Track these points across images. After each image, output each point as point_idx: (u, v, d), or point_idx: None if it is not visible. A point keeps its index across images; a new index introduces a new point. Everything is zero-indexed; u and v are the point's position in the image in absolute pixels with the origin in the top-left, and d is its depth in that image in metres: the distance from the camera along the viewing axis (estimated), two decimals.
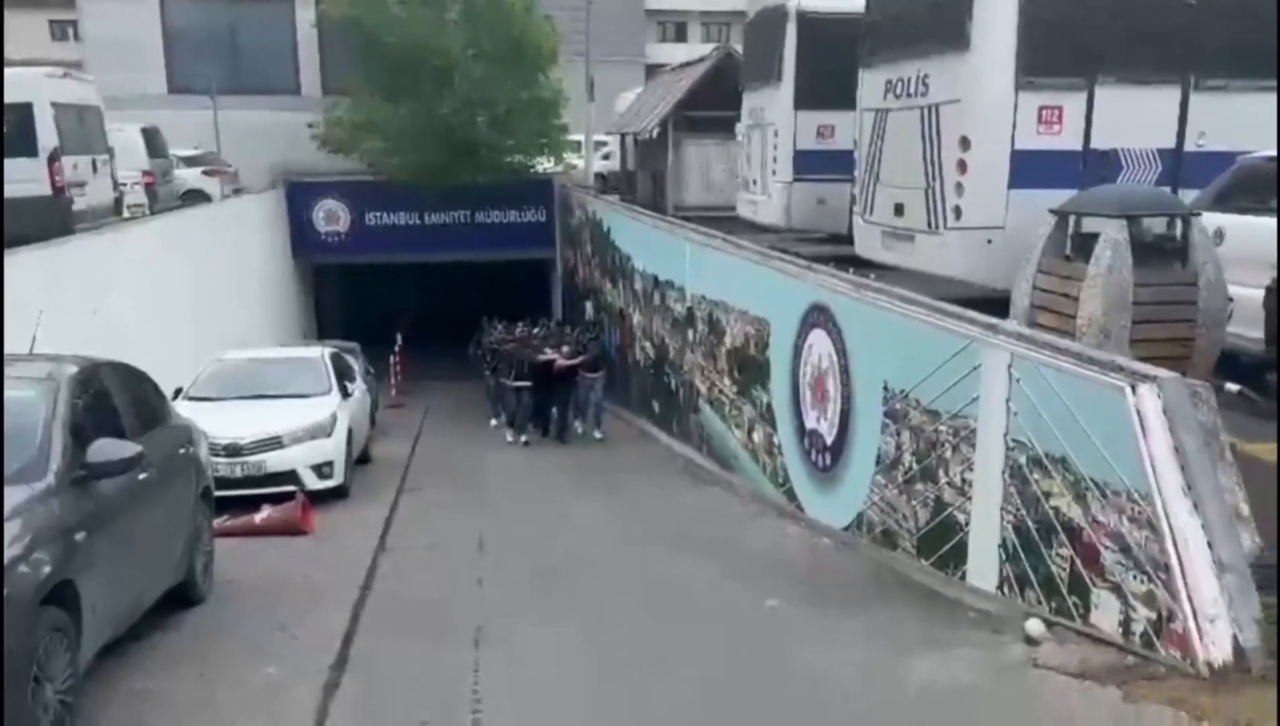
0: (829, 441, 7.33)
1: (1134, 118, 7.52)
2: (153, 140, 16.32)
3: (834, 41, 10.64)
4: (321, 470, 10.24)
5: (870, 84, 9.08)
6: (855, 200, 9.50)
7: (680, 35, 55.29)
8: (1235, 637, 3.91)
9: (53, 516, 4.18)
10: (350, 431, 11.24)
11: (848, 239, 10.30)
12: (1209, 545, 4.08)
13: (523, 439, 13.84)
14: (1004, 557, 5.24)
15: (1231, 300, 5.74)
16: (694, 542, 7.60)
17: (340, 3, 19.82)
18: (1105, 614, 4.49)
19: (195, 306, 13.81)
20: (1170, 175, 7.61)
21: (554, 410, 14.05)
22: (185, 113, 18.92)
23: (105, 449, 4.72)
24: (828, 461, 7.37)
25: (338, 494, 10.58)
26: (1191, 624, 4.01)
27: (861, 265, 8.65)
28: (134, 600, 5.14)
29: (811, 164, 11.64)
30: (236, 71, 20.91)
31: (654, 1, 54.06)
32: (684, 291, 11.09)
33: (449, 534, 9.05)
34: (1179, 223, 5.75)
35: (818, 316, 7.41)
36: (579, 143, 24.14)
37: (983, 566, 5.43)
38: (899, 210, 8.50)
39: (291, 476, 9.89)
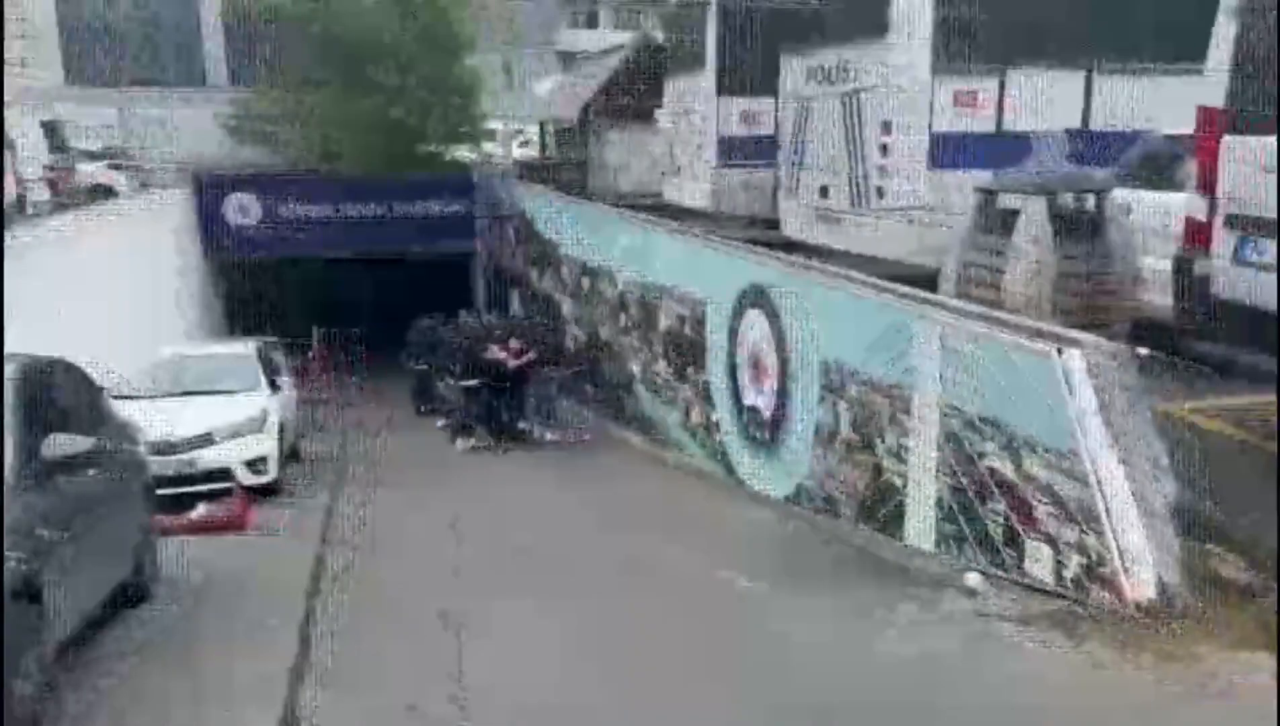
0: (768, 416, 7.57)
1: (1045, 100, 7.93)
2: (53, 134, 15.78)
3: (758, 28, 10.91)
4: (256, 466, 10.07)
5: (793, 71, 9.36)
6: (781, 184, 9.78)
7: (591, 22, 55.28)
8: (1160, 578, 4.24)
9: (15, 511, 4.12)
10: (282, 427, 11.11)
11: (774, 222, 10.60)
12: (1132, 494, 4.41)
13: (471, 443, 12.61)
14: (941, 517, 5.53)
15: (1142, 270, 6.14)
16: (640, 521, 7.75)
17: None
18: (1039, 563, 4.81)
19: (103, 305, 13.39)
20: (1079, 153, 8.06)
21: (503, 410, 12.87)
22: (88, 107, 18.29)
23: (60, 444, 4.66)
24: (767, 435, 7.62)
25: (271, 490, 10.45)
26: (1120, 567, 4.34)
27: (790, 246, 8.92)
28: (91, 594, 5.08)
29: (737, 149, 11.91)
30: (141, 63, 20.27)
31: None
32: (615, 277, 11.23)
33: (393, 525, 9.04)
34: (1093, 198, 6.12)
35: (753, 296, 7.64)
36: (496, 131, 24.07)
37: (921, 527, 5.72)
38: (824, 192, 8.80)
39: (225, 473, 9.74)
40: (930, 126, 7.93)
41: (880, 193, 8.00)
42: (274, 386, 11.53)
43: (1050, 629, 4.30)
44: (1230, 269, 5.09)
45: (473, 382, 12.70)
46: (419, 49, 20.14)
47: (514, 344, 12.56)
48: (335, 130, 19.47)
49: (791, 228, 9.49)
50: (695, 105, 12.44)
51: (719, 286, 8.31)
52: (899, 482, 5.94)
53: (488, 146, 23.87)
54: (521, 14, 27.17)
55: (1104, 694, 3.80)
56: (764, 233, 10.22)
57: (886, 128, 7.91)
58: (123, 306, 14.16)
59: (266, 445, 10.32)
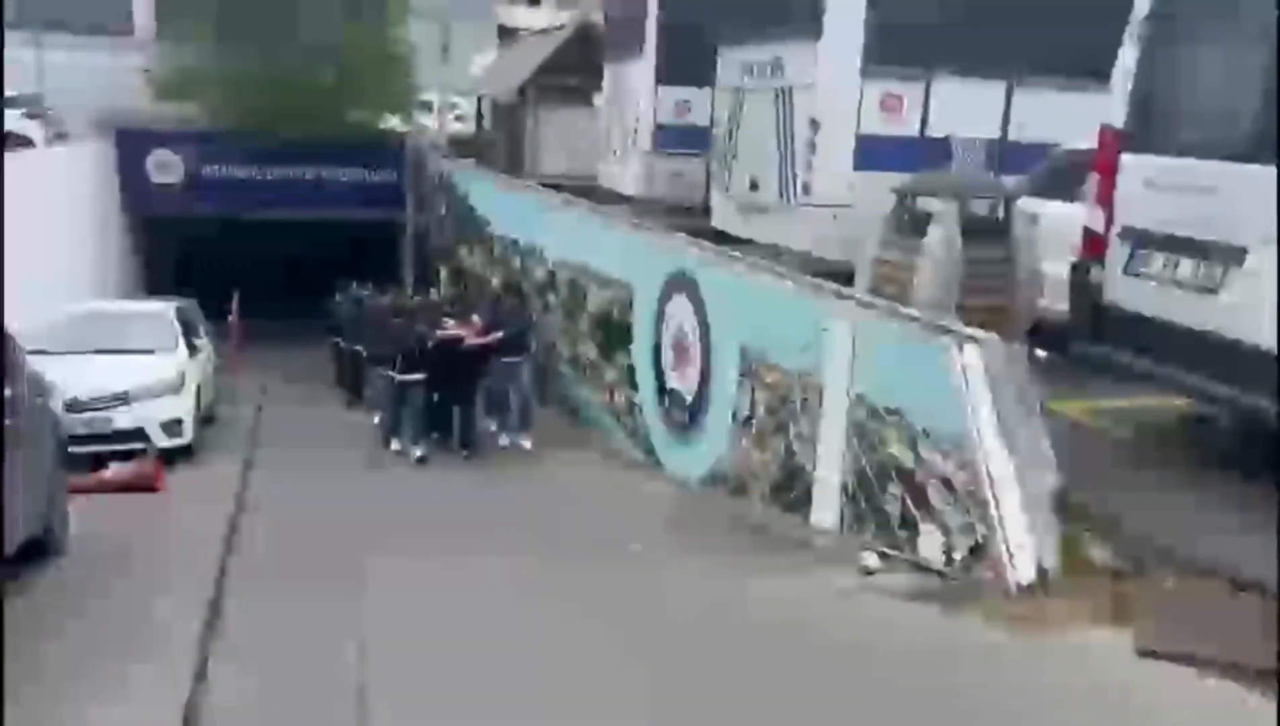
0: (688, 400, 7.80)
1: (966, 109, 8.29)
2: None
3: (696, 20, 11.08)
4: (171, 428, 9.96)
5: (728, 64, 9.57)
6: (713, 174, 10.00)
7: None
8: (1039, 560, 4.58)
9: None
10: (198, 388, 10.98)
11: (704, 211, 10.82)
12: (1019, 482, 4.74)
13: (417, 454, 9.91)
14: (845, 500, 5.83)
15: (1044, 276, 6.51)
16: (558, 497, 7.93)
17: None
18: (931, 545, 5.12)
19: (16, 259, 12.96)
20: (995, 162, 8.44)
21: (456, 410, 10.18)
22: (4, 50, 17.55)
23: None
24: (687, 419, 7.85)
25: (186, 452, 10.34)
26: (1003, 550, 4.65)
27: (719, 236, 9.15)
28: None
29: (671, 138, 12.11)
30: (61, 6, 19.50)
31: None
32: (545, 256, 11.33)
33: (306, 491, 9.04)
34: (1001, 205, 6.45)
35: (680, 282, 7.84)
36: (430, 103, 23.82)
37: (826, 508, 6.01)
38: (754, 185, 9.05)
39: (139, 433, 9.60)
40: (858, 126, 8.20)
41: (807, 189, 8.27)
42: (192, 348, 11.38)
43: (928, 603, 4.61)
44: (1121, 278, 5.46)
45: (415, 375, 9.94)
46: (350, 11, 19.82)
47: (477, 319, 10.14)
48: (260, 89, 19.03)
49: (720, 218, 9.72)
50: (633, 90, 12.58)
51: (646, 272, 8.50)
52: (808, 466, 6.21)
53: (421, 118, 23.63)
54: None
55: (956, 653, 4.16)
56: (693, 221, 10.43)
57: (815, 125, 8.17)
58: (37, 260, 13.76)
59: (183, 406, 10.22)
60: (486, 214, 14.98)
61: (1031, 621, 4.29)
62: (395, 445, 10.24)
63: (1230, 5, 4.94)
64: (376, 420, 11.28)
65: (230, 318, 19.03)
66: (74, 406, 9.16)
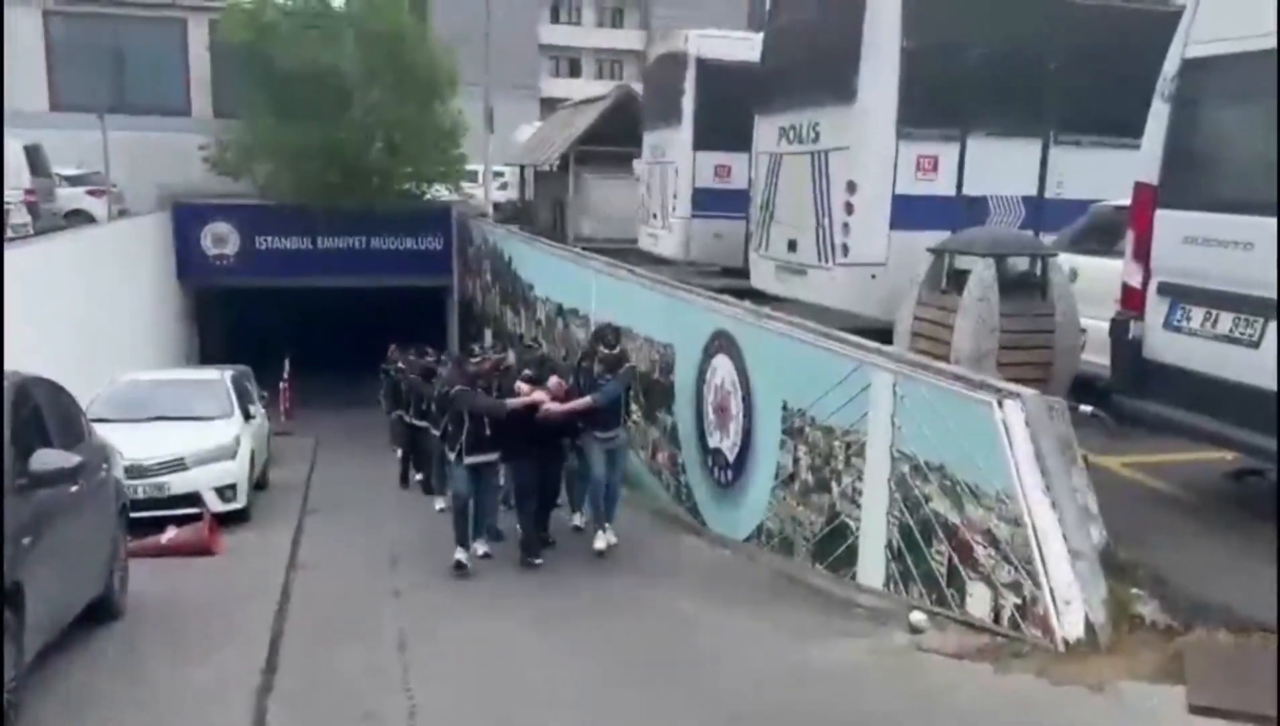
0: (731, 459, 7.86)
1: (1001, 167, 8.39)
2: (35, 158, 15.91)
3: (731, 87, 11.38)
4: (225, 493, 10.22)
5: (765, 129, 9.78)
6: (751, 236, 10.16)
7: (574, 71, 56.26)
8: (1086, 617, 4.54)
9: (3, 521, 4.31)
10: (253, 454, 11.24)
11: (743, 272, 10.97)
12: (1064, 538, 4.72)
13: (480, 551, 7.95)
14: (890, 557, 5.82)
15: (1084, 331, 6.53)
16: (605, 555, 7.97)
17: (234, 25, 19.73)
18: (978, 602, 5.10)
19: (79, 329, 13.48)
20: (1032, 219, 8.50)
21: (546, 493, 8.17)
22: (69, 131, 18.41)
23: (46, 458, 4.87)
24: (730, 477, 7.89)
25: (239, 517, 10.56)
26: (1051, 606, 4.63)
27: (757, 296, 9.27)
28: (67, 607, 5.25)
29: (710, 201, 12.34)
30: (124, 90, 20.43)
31: (548, 37, 55.12)
32: (589, 319, 11.53)
33: (359, 551, 9.18)
34: (1039, 262, 6.51)
35: (721, 342, 7.95)
36: (476, 172, 24.46)
37: (871, 566, 6.00)
38: (792, 246, 9.18)
39: (195, 498, 9.85)
40: (894, 188, 8.33)
41: (845, 249, 8.38)
42: (246, 414, 11.69)
43: (979, 661, 4.59)
44: (1161, 333, 5.48)
45: (486, 456, 7.82)
46: (400, 90, 20.55)
47: (554, 383, 7.88)
48: (312, 163, 19.75)
49: (760, 278, 9.85)
50: (671, 157, 12.86)
51: (687, 332, 8.62)
52: (852, 523, 6.23)
53: (467, 187, 24.26)
54: (503, 60, 27.69)
55: (1008, 710, 4.16)
56: (733, 282, 10.59)
57: (852, 187, 8.31)
58: (99, 331, 14.28)
59: (237, 471, 10.46)
60: (530, 278, 15.30)
61: (1083, 679, 4.26)
62: (460, 556, 7.65)
63: (1254, 63, 5.01)
64: (440, 508, 9.71)
65: (282, 382, 19.51)
66: (132, 471, 9.45)
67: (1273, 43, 4.84)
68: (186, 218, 21.28)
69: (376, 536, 9.84)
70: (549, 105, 45.88)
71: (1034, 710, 4.14)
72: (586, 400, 7.68)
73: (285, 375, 19.80)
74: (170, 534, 8.95)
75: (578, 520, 8.76)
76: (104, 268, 15.65)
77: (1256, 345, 4.87)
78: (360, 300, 23.37)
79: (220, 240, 21.73)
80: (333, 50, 20.02)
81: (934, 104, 8.24)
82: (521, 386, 7.88)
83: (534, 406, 7.65)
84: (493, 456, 7.88)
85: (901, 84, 8.14)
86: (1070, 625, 4.54)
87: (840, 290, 8.44)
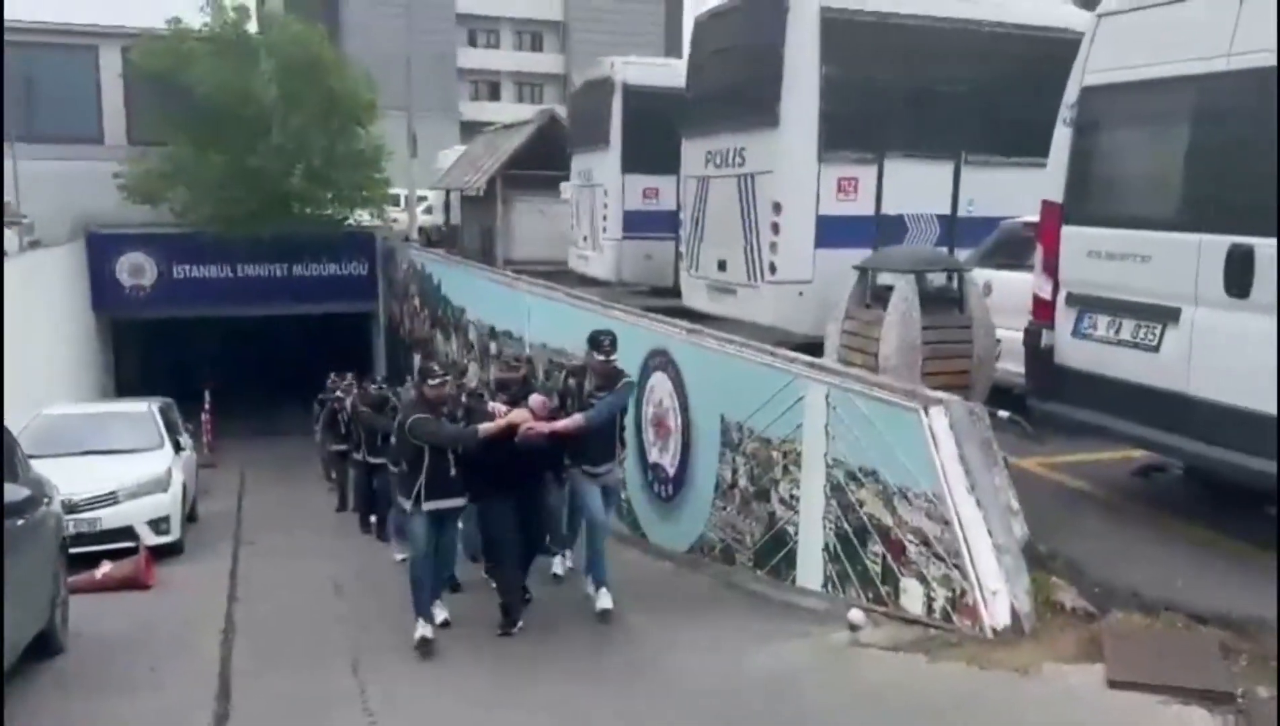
0: (671, 473, 8.09)
1: (916, 188, 8.83)
2: None
3: (657, 112, 11.69)
4: (158, 525, 10.10)
5: (692, 153, 10.09)
6: (682, 257, 10.45)
7: (494, 94, 56.41)
8: (1012, 606, 4.87)
9: None
10: (184, 486, 11.10)
11: (673, 291, 11.26)
12: (989, 533, 5.06)
13: (440, 618, 6.51)
14: (827, 560, 6.10)
15: (999, 341, 6.94)
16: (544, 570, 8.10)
17: (151, 53, 19.44)
18: (912, 597, 5.41)
19: None
20: (947, 236, 8.96)
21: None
22: None
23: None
24: (670, 491, 8.12)
25: (173, 550, 10.43)
26: (979, 598, 4.95)
27: (690, 315, 9.55)
28: (15, 642, 5.20)
29: (639, 223, 12.62)
30: (34, 118, 19.90)
31: (466, 61, 55.15)
32: (523, 341, 11.67)
33: (299, 579, 9.15)
34: (956, 277, 6.91)
35: (658, 360, 8.19)
36: (399, 197, 24.40)
37: (810, 570, 6.28)
38: (722, 266, 9.49)
39: (128, 532, 9.72)
40: (817, 208, 8.70)
41: (773, 268, 8.72)
42: (177, 446, 11.53)
43: (915, 653, 4.89)
44: (1070, 340, 5.89)
45: (452, 501, 6.40)
46: (320, 116, 20.47)
47: (536, 401, 6.63)
48: (231, 190, 19.52)
49: (691, 297, 10.14)
50: (600, 180, 13.12)
51: (624, 351, 8.81)
52: (791, 529, 6.50)
53: (390, 211, 24.18)
54: (422, 83, 27.70)
55: (944, 696, 4.45)
56: (664, 302, 10.86)
57: (778, 209, 8.66)
58: (12, 366, 13.85)
59: (169, 504, 10.32)
60: (462, 302, 15.36)
61: (1011, 663, 4.57)
62: (422, 629, 6.24)
63: (1144, 91, 5.47)
64: (400, 558, 8.18)
65: (204, 414, 19.14)
66: (65, 507, 9.28)
67: (1160, 72, 5.31)
68: (101, 247, 20.79)
69: (315, 564, 9.82)
70: (469, 128, 45.89)
71: (967, 694, 4.43)
72: (577, 418, 6.35)
73: (206, 406, 19.44)
74: (105, 569, 8.82)
75: (558, 567, 7.53)
76: (13, 301, 15.18)
77: (1156, 349, 5.29)
78: (282, 328, 23.10)
79: (136, 270, 21.28)
80: (250, 78, 19.86)
81: (852, 128, 8.64)
82: (497, 407, 6.55)
83: (512, 430, 6.22)
84: (459, 501, 6.39)
85: (821, 110, 8.53)
86: (997, 614, 4.87)
87: (770, 307, 8.76)
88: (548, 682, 5.60)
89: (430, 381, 6.37)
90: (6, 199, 17.94)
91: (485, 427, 6.22)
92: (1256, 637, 4.38)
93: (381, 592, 8.06)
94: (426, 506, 6.26)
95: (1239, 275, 4.84)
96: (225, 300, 21.73)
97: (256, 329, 23.43)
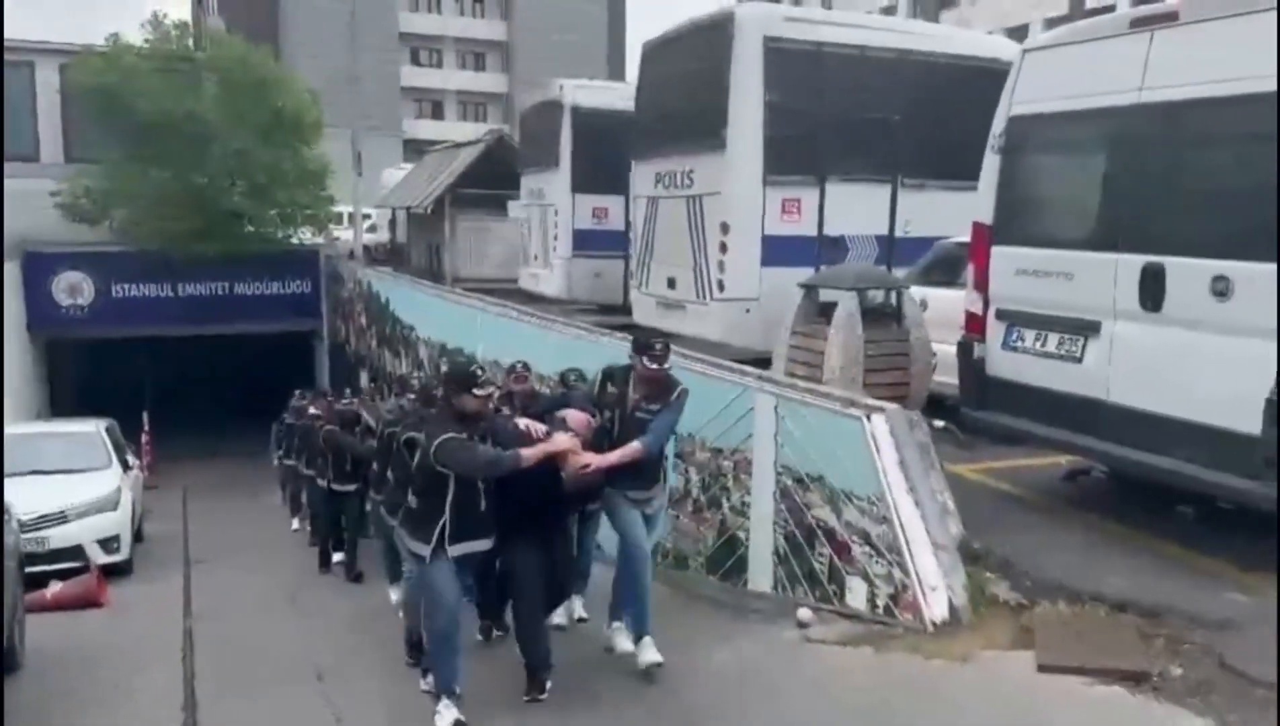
0: None
1: (856, 209, 9.24)
2: None
3: (606, 133, 12.01)
4: (108, 544, 10.07)
5: (642, 175, 10.41)
6: (633, 275, 10.74)
7: (437, 113, 56.42)
8: (950, 600, 5.21)
9: None
10: (134, 505, 11.04)
11: (623, 309, 11.54)
12: (928, 532, 5.40)
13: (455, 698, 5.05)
14: (777, 562, 6.40)
15: (935, 354, 7.34)
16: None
17: (91, 70, 19.26)
18: (857, 595, 5.72)
19: None
20: (885, 255, 9.39)
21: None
22: None
23: None
24: None
25: (122, 570, 10.38)
26: (919, 593, 5.28)
27: (640, 331, 9.82)
28: None
29: (589, 242, 12.90)
30: None
31: (409, 79, 55.11)
32: (475, 357, 11.83)
33: (254, 594, 9.19)
34: (895, 294, 7.30)
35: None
36: (342, 214, 24.38)
37: (760, 572, 6.57)
38: (671, 284, 9.80)
39: (77, 552, 9.67)
40: (763, 228, 9.06)
41: (721, 286, 9.05)
42: (125, 465, 11.47)
43: (860, 646, 5.20)
44: (1000, 353, 6.30)
45: (478, 542, 5.09)
46: (262, 134, 20.44)
47: (576, 418, 5.47)
48: (171, 208, 19.38)
49: (641, 314, 10.42)
50: (550, 199, 13.37)
51: (582, 367, 9.06)
52: (742, 535, 6.79)
53: (336, 230, 24.15)
54: (366, 101, 27.75)
55: (891, 685, 4.76)
56: (615, 319, 11.13)
57: (725, 229, 9.00)
58: None
59: (119, 523, 10.28)
60: (412, 320, 15.46)
61: (949, 653, 4.90)
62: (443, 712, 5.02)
63: (1066, 121, 5.92)
64: (395, 598, 7.35)
65: (143, 435, 18.88)
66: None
67: (1079, 104, 5.75)
68: (37, 266, 20.41)
69: (269, 579, 9.87)
70: (413, 146, 45.91)
71: (910, 683, 4.75)
72: (635, 447, 5.26)
73: (145, 427, 19.19)
74: (55, 588, 8.79)
75: (562, 616, 6.22)
76: None
77: (1079, 360, 5.71)
78: (224, 347, 22.86)
79: (73, 289, 20.93)
80: (193, 95, 19.78)
81: (795, 153, 9.03)
82: (532, 426, 5.26)
83: (558, 457, 5.08)
84: (489, 543, 5.10)
85: (766, 135, 8.89)
86: (936, 608, 5.20)
87: (718, 323, 9.08)
88: None
89: (475, 390, 4.86)
90: None
91: (530, 453, 4.92)
92: (1169, 622, 4.78)
93: (335, 609, 8.17)
94: (454, 550, 4.91)
95: (1153, 291, 5.28)
96: (165, 319, 21.44)
97: (198, 348, 23.17)
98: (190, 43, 22.11)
